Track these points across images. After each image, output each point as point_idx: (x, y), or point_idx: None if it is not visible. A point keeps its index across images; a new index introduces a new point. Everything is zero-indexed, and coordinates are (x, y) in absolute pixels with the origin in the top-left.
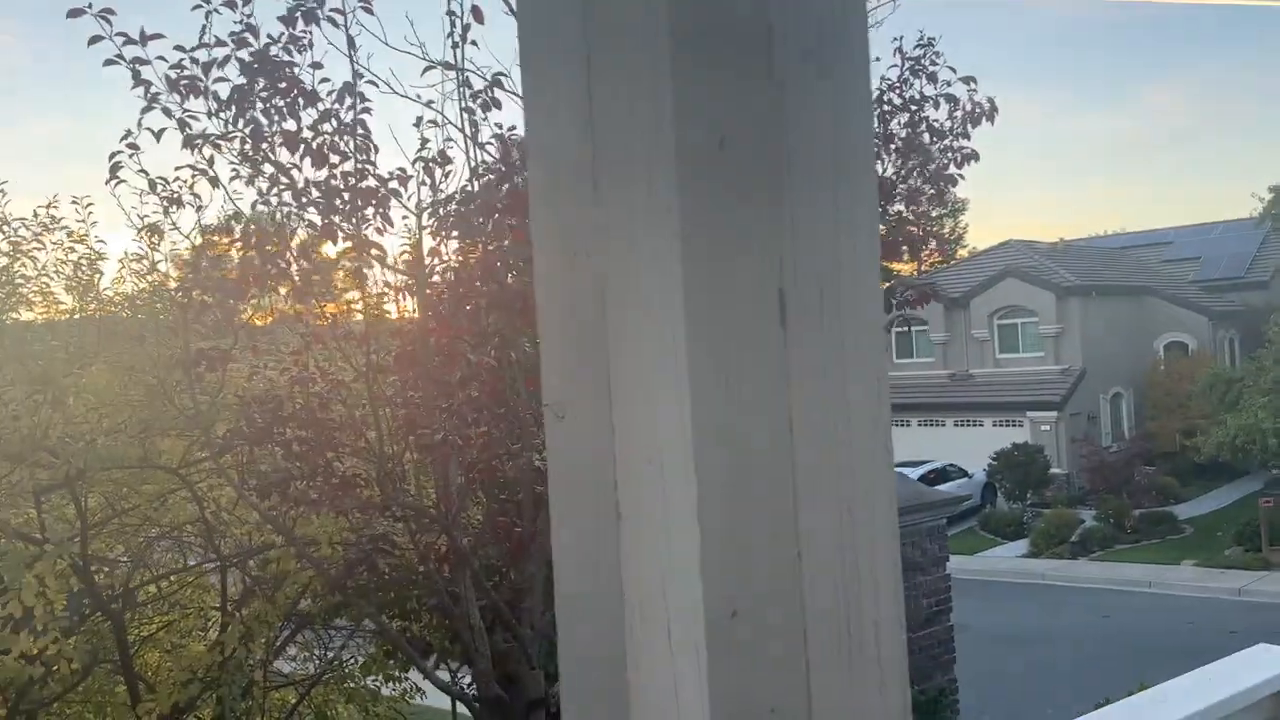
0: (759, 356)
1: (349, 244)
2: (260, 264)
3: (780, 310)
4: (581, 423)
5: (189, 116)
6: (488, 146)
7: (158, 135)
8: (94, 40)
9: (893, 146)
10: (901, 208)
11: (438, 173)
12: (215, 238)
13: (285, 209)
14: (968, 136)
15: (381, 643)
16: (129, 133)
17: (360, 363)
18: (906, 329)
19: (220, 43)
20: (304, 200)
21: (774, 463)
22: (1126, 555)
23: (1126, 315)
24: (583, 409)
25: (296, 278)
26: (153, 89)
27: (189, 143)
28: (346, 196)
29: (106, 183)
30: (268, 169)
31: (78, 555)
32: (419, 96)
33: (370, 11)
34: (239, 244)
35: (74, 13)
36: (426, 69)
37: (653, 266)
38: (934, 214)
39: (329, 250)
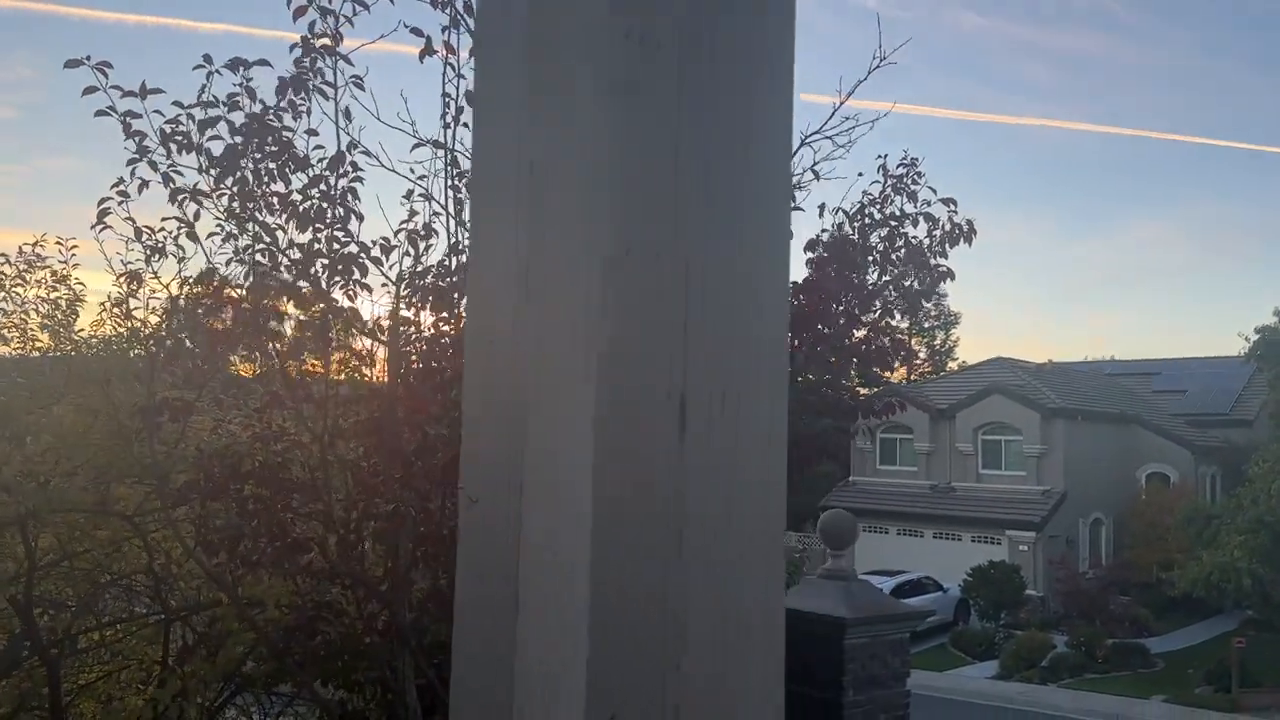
0: (658, 461)
1: (319, 306)
2: (251, 318)
3: (680, 417)
4: (492, 511)
5: (174, 171)
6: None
7: (141, 187)
8: (88, 91)
9: (870, 259)
10: (874, 317)
11: (421, 245)
12: (196, 289)
13: (260, 268)
14: (945, 255)
15: (320, 713)
16: (120, 180)
17: (319, 426)
18: (893, 438)
19: (216, 103)
20: (280, 261)
21: (661, 576)
22: (1097, 685)
23: (1111, 441)
24: (495, 498)
25: (288, 334)
26: (145, 141)
27: (174, 196)
28: (326, 261)
29: (93, 227)
30: (252, 227)
31: (20, 596)
32: (411, 171)
33: (361, 87)
34: (220, 296)
35: (71, 63)
36: (416, 146)
37: (567, 376)
38: (927, 326)
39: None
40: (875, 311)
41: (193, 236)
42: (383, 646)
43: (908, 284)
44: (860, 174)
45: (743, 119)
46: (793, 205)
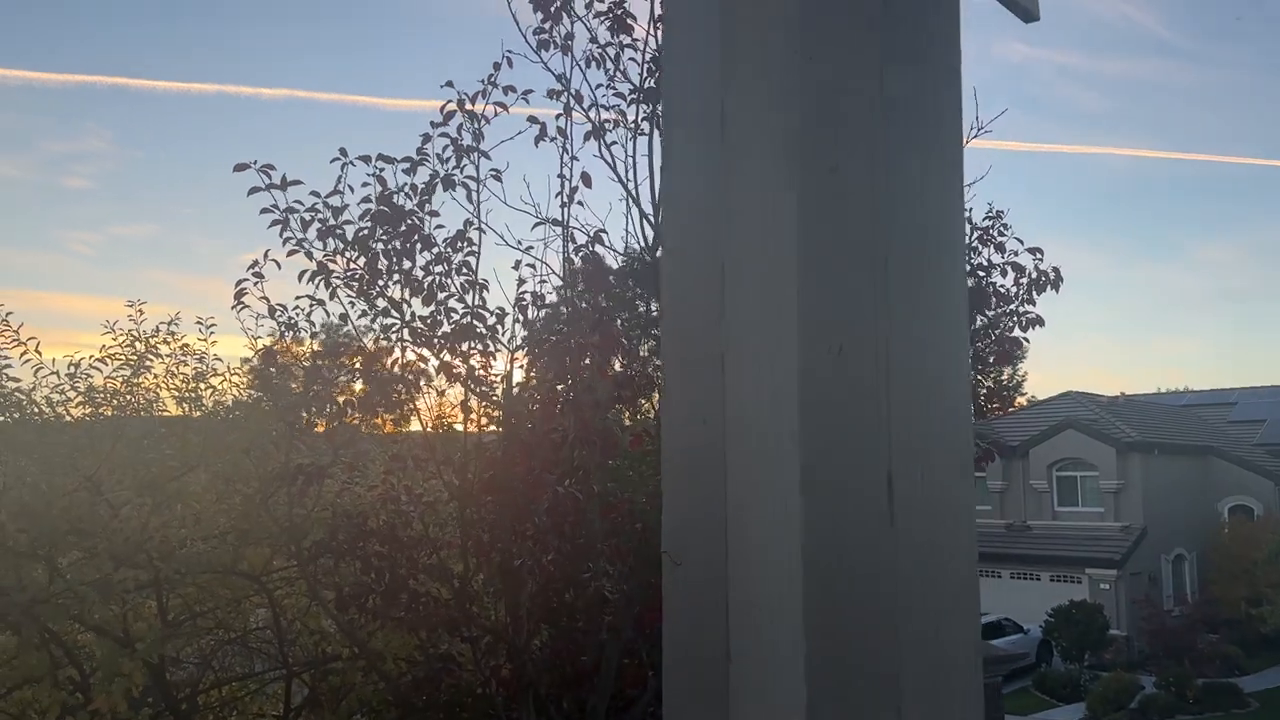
0: (867, 543)
1: (444, 374)
2: (404, 379)
3: (889, 498)
4: (695, 570)
5: (312, 251)
6: (585, 294)
7: (279, 265)
8: (253, 191)
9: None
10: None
11: (531, 311)
12: (326, 361)
13: (388, 340)
14: (1033, 302)
15: None
16: (255, 262)
17: (455, 484)
18: None
19: (350, 191)
20: (404, 333)
21: (874, 649)
22: None
23: (1189, 475)
24: (697, 557)
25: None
26: (287, 230)
27: (315, 276)
28: (448, 330)
29: (232, 307)
30: (380, 303)
31: (154, 657)
32: (520, 243)
33: (499, 179)
34: (358, 361)
35: (240, 167)
36: (537, 224)
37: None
38: (991, 360)
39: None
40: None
41: (325, 311)
42: (497, 696)
43: (999, 332)
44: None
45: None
46: None
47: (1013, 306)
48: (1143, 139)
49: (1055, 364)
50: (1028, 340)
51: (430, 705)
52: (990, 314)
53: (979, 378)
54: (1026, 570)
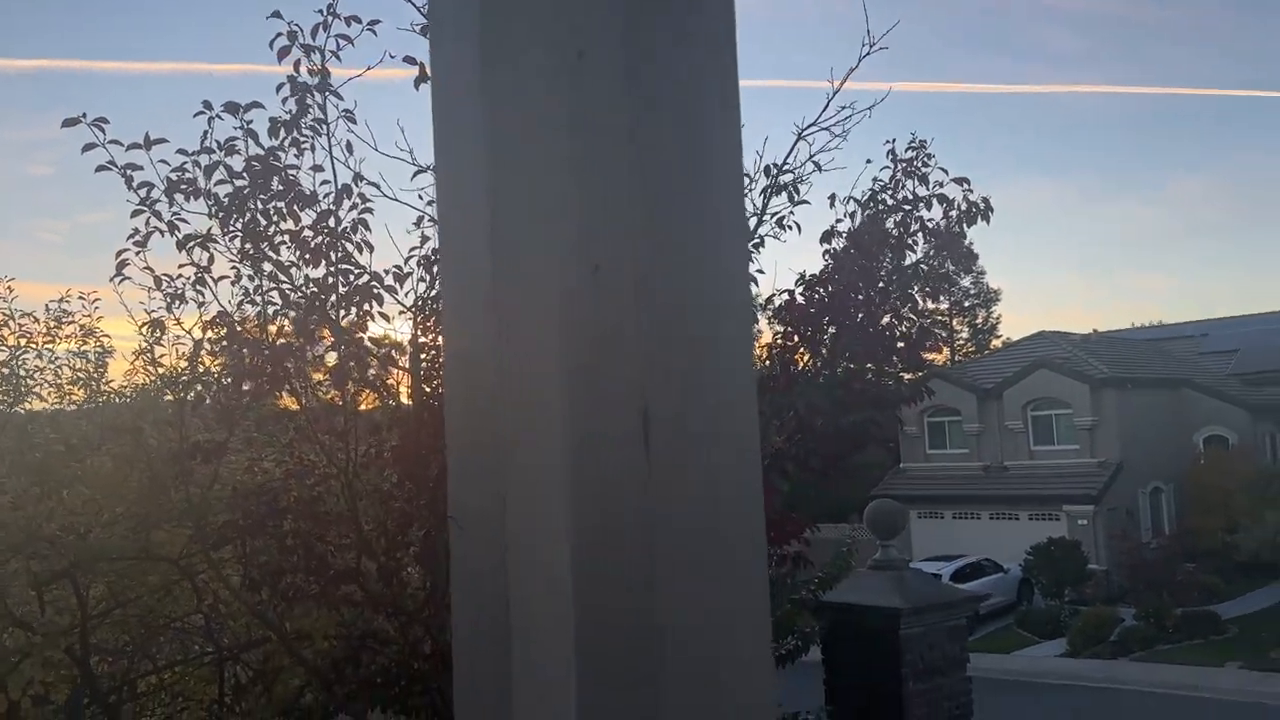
0: (626, 477)
1: (331, 339)
2: (273, 356)
3: (644, 431)
4: (479, 535)
5: (179, 219)
6: None
7: (148, 237)
8: (88, 147)
9: (888, 245)
10: (896, 302)
11: (435, 270)
12: (220, 331)
13: (272, 307)
14: (963, 235)
15: None
16: (135, 231)
17: (342, 458)
18: (941, 421)
19: (218, 148)
20: (291, 298)
21: (640, 589)
22: (1168, 656)
23: (1163, 408)
24: (481, 522)
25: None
26: (152, 193)
27: (183, 244)
28: (342, 292)
29: (111, 279)
30: (267, 267)
31: (77, 646)
32: (421, 196)
33: (354, 120)
34: (237, 337)
35: (69, 122)
36: (417, 173)
37: (537, 387)
38: (967, 305)
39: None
40: (895, 297)
41: (203, 281)
42: (432, 671)
43: (929, 267)
44: (869, 161)
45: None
46: (798, 199)
47: (946, 240)
48: (1112, 75)
49: (1029, 306)
50: (959, 274)
51: (351, 683)
52: (920, 250)
53: (897, 320)
54: (1005, 510)
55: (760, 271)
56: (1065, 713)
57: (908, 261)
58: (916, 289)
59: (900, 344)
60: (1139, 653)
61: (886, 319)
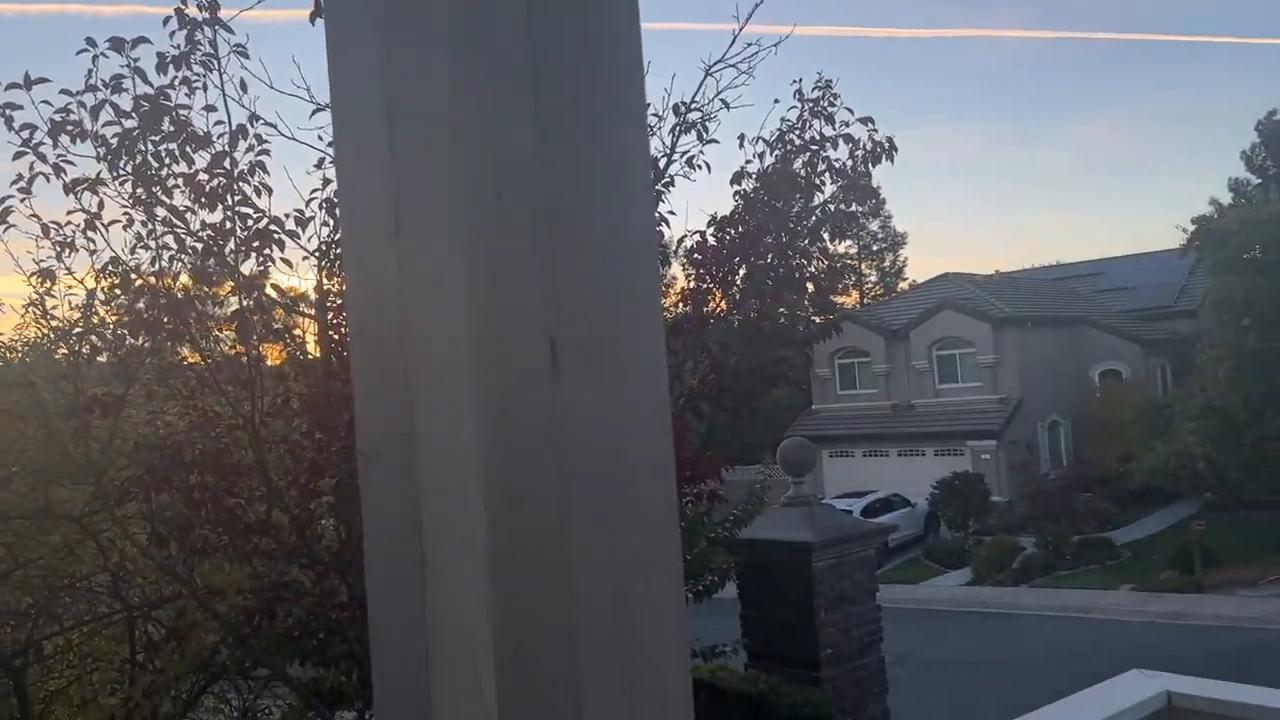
0: (535, 403)
1: (233, 285)
2: (170, 305)
3: (552, 355)
4: (390, 469)
5: (64, 162)
6: None
7: (30, 183)
8: None
9: (797, 185)
10: (806, 243)
11: (339, 213)
12: (112, 279)
13: (168, 252)
14: (869, 175)
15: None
16: (19, 176)
17: (246, 408)
18: (851, 363)
19: (103, 86)
20: (188, 244)
21: (550, 511)
22: (1066, 581)
23: (1062, 345)
24: (390, 455)
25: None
26: (35, 134)
27: (71, 189)
28: (241, 237)
29: None
30: (160, 212)
31: None
32: (321, 137)
33: (246, 55)
34: (131, 286)
35: None
36: (315, 111)
37: (442, 317)
38: (875, 249)
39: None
40: (806, 238)
41: (93, 227)
42: (349, 621)
43: (835, 208)
44: (777, 101)
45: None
46: (707, 138)
47: (852, 180)
48: (1016, 20)
49: (936, 249)
50: (865, 214)
51: (266, 636)
52: (828, 190)
53: (806, 260)
54: (912, 447)
55: (672, 213)
56: (970, 636)
57: (816, 202)
58: (826, 230)
59: (810, 285)
60: (1039, 579)
61: (796, 260)
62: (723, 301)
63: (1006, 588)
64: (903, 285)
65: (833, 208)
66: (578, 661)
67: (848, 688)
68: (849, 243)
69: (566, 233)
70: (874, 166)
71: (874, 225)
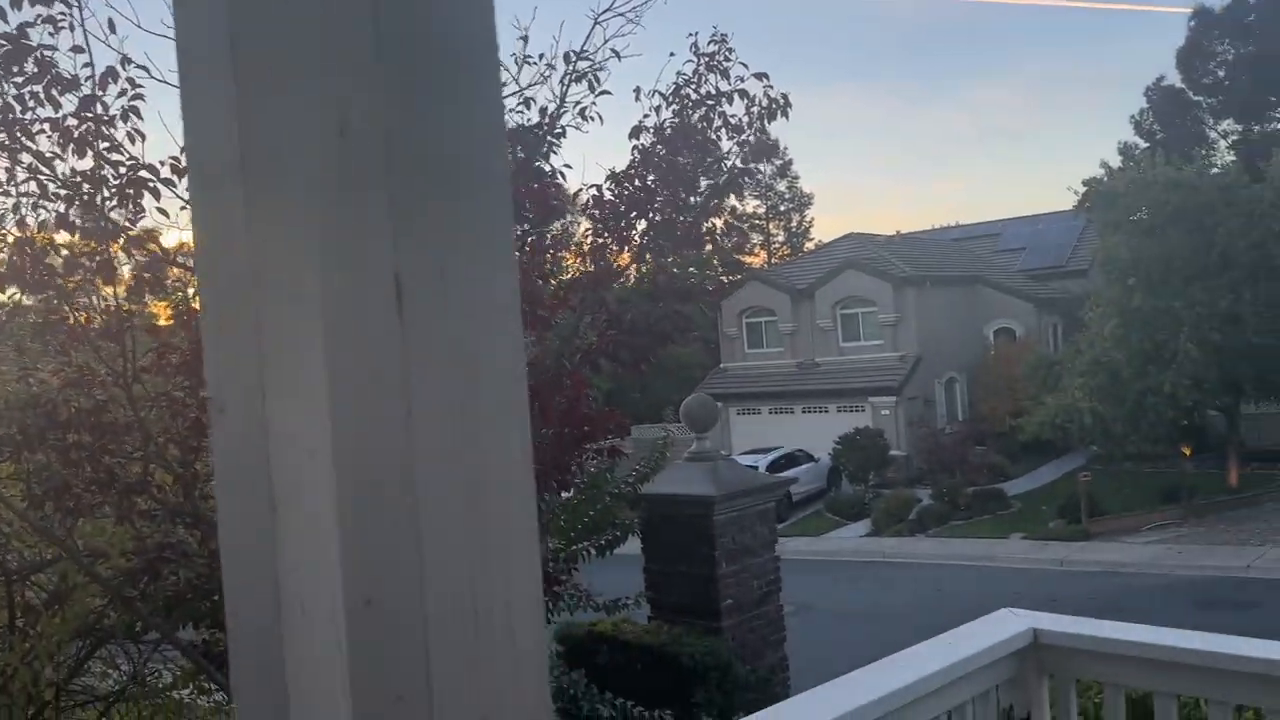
0: (382, 347)
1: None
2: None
3: (397, 296)
4: (239, 417)
5: None
6: None
7: None
8: None
9: (694, 140)
10: (703, 199)
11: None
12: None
13: (30, 199)
14: (765, 131)
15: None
16: None
17: (120, 365)
18: (758, 321)
19: None
20: (52, 190)
21: (397, 454)
22: (960, 531)
23: (959, 303)
24: (240, 403)
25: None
26: None
27: None
28: (113, 185)
29: None
30: (26, 159)
31: None
32: None
33: None
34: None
35: None
36: None
37: (290, 258)
38: (782, 209)
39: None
40: (702, 193)
41: None
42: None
43: (732, 164)
44: (672, 54)
45: None
46: (600, 90)
47: (744, 136)
48: None
49: (842, 209)
50: (760, 170)
51: (154, 598)
52: (725, 145)
53: (703, 215)
54: (816, 404)
55: (568, 166)
56: (869, 585)
57: (713, 158)
58: (724, 186)
59: (708, 241)
60: (934, 529)
61: (693, 216)
62: (624, 257)
63: (904, 538)
64: (809, 245)
65: (730, 164)
66: (427, 607)
67: (747, 636)
68: (757, 202)
69: (413, 168)
70: (770, 123)
71: (781, 186)
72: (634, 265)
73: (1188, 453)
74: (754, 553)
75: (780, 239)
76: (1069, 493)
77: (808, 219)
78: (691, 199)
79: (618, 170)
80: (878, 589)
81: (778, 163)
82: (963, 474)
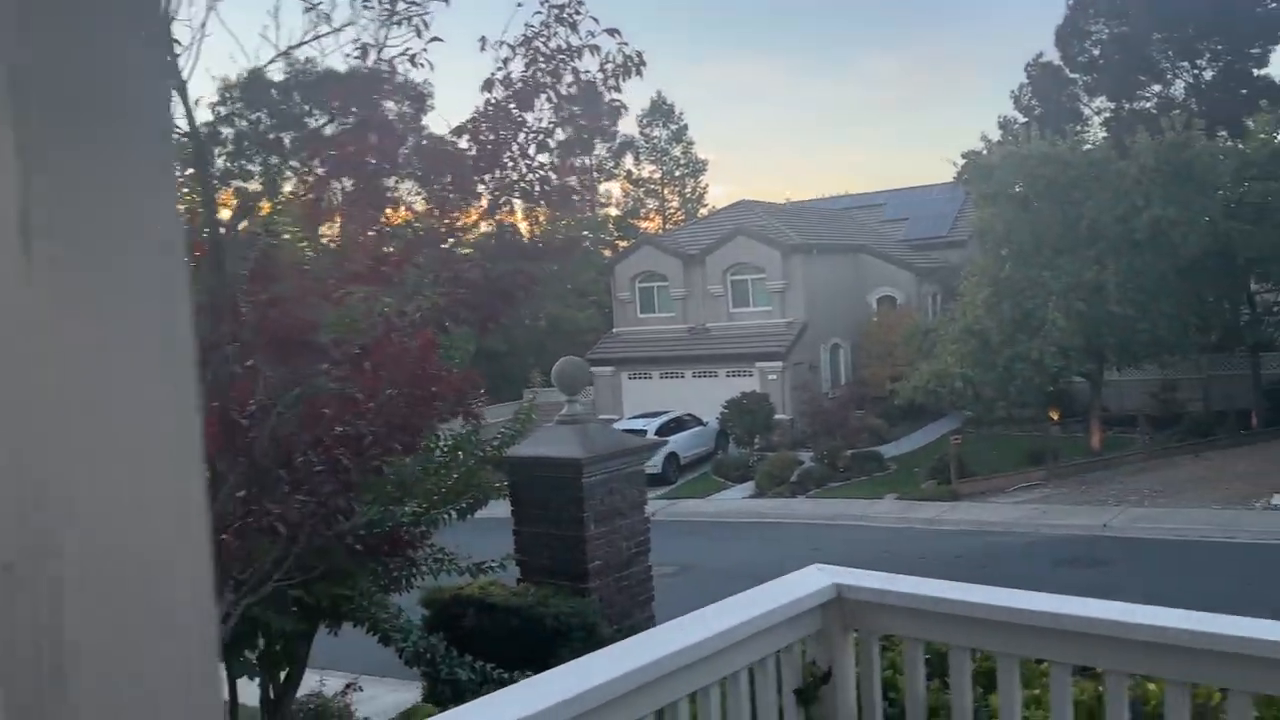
0: (8, 297)
1: None
2: None
3: (22, 234)
4: None
5: None
6: None
7: None
8: None
9: (547, 97)
10: (545, 158)
11: None
12: None
13: None
14: (619, 89)
15: None
16: None
17: None
18: (651, 286)
19: None
20: None
21: (29, 398)
22: (839, 492)
23: (844, 271)
24: None
25: None
26: None
27: None
28: None
29: None
30: None
31: None
32: None
33: None
34: None
35: None
36: None
37: None
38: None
39: None
40: (554, 150)
41: None
42: None
43: (585, 122)
44: (520, 4)
45: None
46: (428, 35)
47: (599, 92)
48: None
49: (737, 177)
50: (613, 128)
51: None
52: (579, 103)
53: (556, 172)
54: (706, 369)
55: (420, 112)
56: (749, 544)
57: (565, 113)
58: (570, 138)
59: (557, 197)
60: (814, 490)
61: (543, 173)
62: (473, 213)
63: (785, 499)
64: (703, 211)
65: (584, 122)
66: (64, 570)
67: (615, 596)
68: (653, 167)
69: (47, 105)
70: (624, 81)
71: (677, 151)
72: (484, 222)
73: (1055, 417)
74: (623, 514)
75: (675, 204)
76: (942, 455)
77: (702, 184)
78: (544, 157)
79: (464, 123)
80: (758, 548)
81: (673, 127)
82: (843, 437)
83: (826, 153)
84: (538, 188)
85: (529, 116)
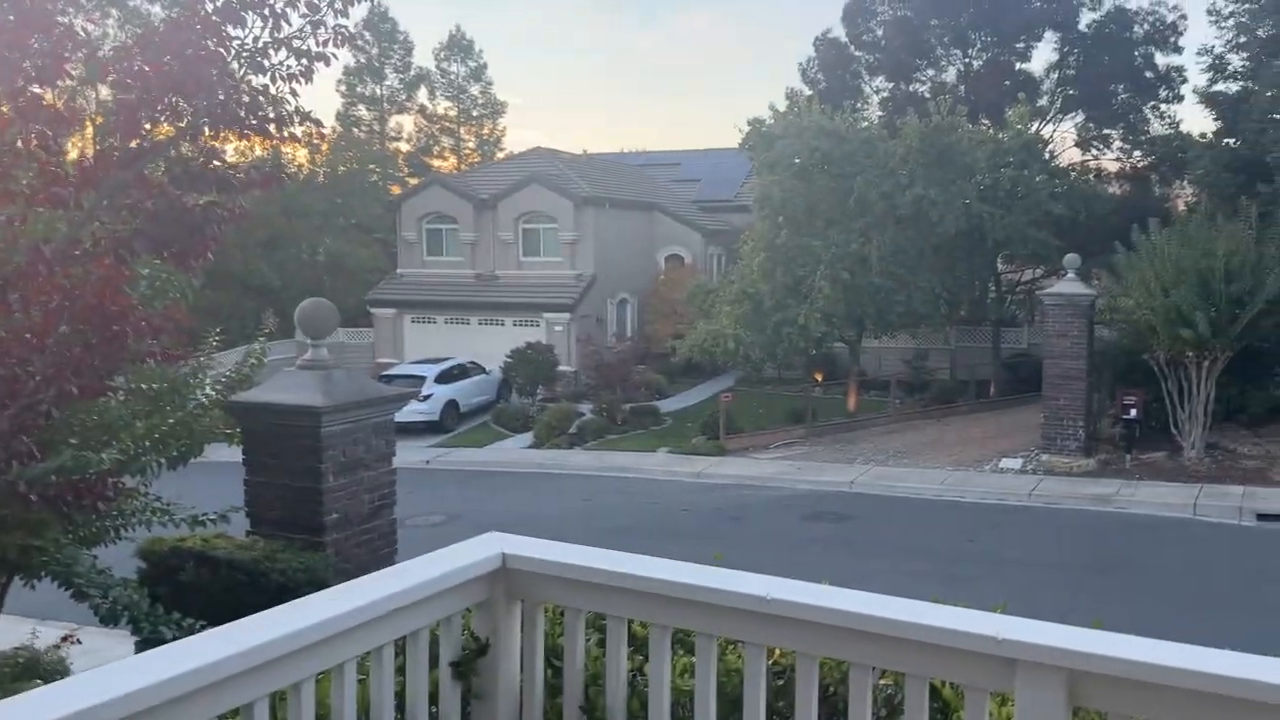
0: None
1: None
2: None
3: None
4: None
5: None
6: None
7: None
8: None
9: (262, 14)
10: (267, 81)
11: None
12: None
13: None
14: (346, 15)
15: None
16: None
17: None
18: (439, 229)
19: None
20: None
21: None
22: (615, 444)
23: (635, 227)
24: None
25: None
26: None
27: None
28: None
29: None
30: None
31: None
32: None
33: None
34: None
35: None
36: None
37: None
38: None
39: None
40: (267, 73)
41: None
42: None
43: (304, 45)
44: None
45: None
46: None
47: (320, 16)
48: None
49: (538, 124)
50: (336, 56)
51: None
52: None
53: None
54: (493, 317)
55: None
56: (521, 494)
57: (282, 34)
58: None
59: (261, 126)
60: (592, 442)
61: (249, 96)
62: (162, 131)
63: (563, 450)
64: (500, 155)
65: (301, 44)
66: None
67: (354, 551)
68: (449, 104)
69: None
70: (352, 7)
71: (475, 90)
72: (180, 146)
73: (818, 379)
74: (367, 465)
75: (471, 144)
76: (714, 412)
77: (500, 127)
78: (254, 79)
79: (152, 34)
80: (530, 499)
81: (472, 64)
82: (624, 390)
83: (631, 109)
84: (244, 112)
85: (230, 33)
